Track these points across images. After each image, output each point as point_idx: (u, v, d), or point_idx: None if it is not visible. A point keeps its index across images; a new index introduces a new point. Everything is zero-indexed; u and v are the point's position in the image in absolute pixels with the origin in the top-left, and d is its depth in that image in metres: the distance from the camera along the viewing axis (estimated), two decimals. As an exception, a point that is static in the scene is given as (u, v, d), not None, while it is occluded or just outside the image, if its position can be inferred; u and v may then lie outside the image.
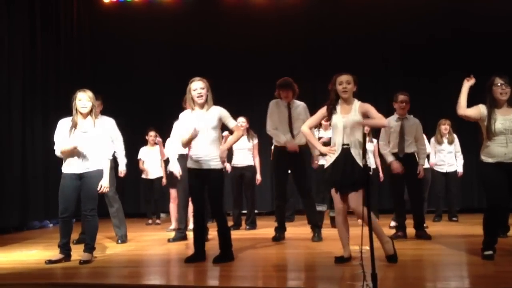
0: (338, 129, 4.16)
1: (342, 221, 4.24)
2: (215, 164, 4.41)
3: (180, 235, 5.81)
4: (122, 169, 5.85)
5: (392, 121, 5.62)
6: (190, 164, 4.49)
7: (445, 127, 7.44)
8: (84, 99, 4.52)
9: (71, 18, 9.10)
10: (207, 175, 4.41)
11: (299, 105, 5.66)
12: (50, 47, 8.33)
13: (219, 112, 4.45)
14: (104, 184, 4.59)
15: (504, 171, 4.16)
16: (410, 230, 5.60)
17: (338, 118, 4.17)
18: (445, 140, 7.50)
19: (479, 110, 4.28)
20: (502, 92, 4.20)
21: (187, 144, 4.46)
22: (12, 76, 7.37)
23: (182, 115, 4.60)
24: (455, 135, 7.51)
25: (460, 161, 7.57)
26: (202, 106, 4.44)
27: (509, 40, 8.59)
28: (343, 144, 4.12)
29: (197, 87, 4.41)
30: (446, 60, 9.00)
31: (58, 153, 4.58)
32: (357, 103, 4.23)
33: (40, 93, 7.96)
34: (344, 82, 4.18)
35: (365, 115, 4.17)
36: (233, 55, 9.39)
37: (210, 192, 4.46)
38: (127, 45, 9.53)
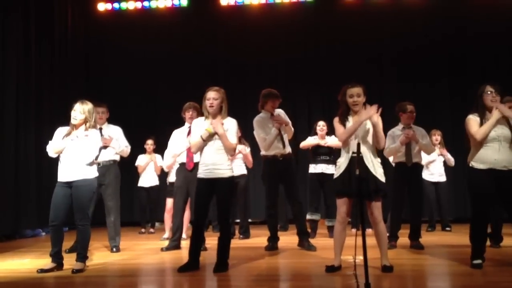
0: (351, 138, 4.14)
1: (341, 230, 4.25)
2: (224, 172, 4.43)
3: (174, 244, 5.79)
4: (112, 140, 5.59)
5: (397, 131, 5.63)
6: (199, 174, 4.49)
7: (435, 137, 7.49)
8: (77, 111, 4.53)
9: (66, 26, 9.10)
10: (216, 183, 4.42)
11: (280, 113, 5.69)
12: (44, 56, 8.31)
13: (229, 125, 4.47)
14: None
15: (493, 179, 4.20)
16: (404, 240, 5.61)
17: None
18: (435, 149, 7.54)
19: (476, 121, 4.29)
20: (492, 100, 4.25)
21: (199, 147, 4.45)
22: (6, 84, 7.34)
23: (195, 121, 4.64)
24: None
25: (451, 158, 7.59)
26: (214, 116, 4.46)
27: (505, 46, 8.68)
28: (353, 153, 4.09)
29: (211, 97, 4.43)
30: (440, 67, 9.07)
31: (51, 152, 4.58)
32: None
33: (33, 101, 7.93)
34: (355, 95, 4.18)
35: (373, 125, 4.18)
36: (227, 63, 9.42)
37: (219, 201, 4.46)
38: (122, 53, 9.54)
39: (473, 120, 4.31)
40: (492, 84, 4.28)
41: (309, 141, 6.85)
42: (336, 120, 4.29)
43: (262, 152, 5.75)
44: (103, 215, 5.74)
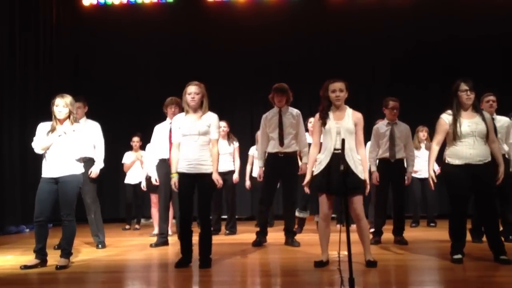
0: (331, 134, 4.15)
1: (325, 226, 4.28)
2: (206, 168, 4.43)
3: (163, 240, 5.78)
4: (94, 169, 5.59)
5: (382, 126, 5.67)
6: (180, 169, 4.47)
7: (423, 133, 7.59)
8: (60, 105, 4.49)
9: (51, 21, 8.98)
10: (198, 179, 4.42)
11: (292, 112, 5.68)
12: (29, 51, 8.20)
13: (211, 120, 4.48)
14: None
15: (470, 175, 4.25)
16: (388, 235, 5.67)
17: (332, 124, 4.19)
18: (422, 146, 7.63)
19: (444, 124, 4.36)
20: (467, 98, 4.32)
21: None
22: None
23: (176, 118, 4.62)
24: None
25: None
26: (195, 110, 4.45)
27: (495, 46, 8.77)
28: (335, 149, 4.11)
29: (192, 91, 4.43)
30: (432, 67, 9.11)
31: (38, 149, 4.53)
32: (349, 110, 4.27)
33: (18, 98, 7.83)
34: (337, 90, 4.20)
35: (355, 124, 4.20)
36: (216, 59, 9.38)
37: (200, 196, 4.46)
38: (108, 48, 9.45)
39: (441, 125, 4.39)
40: (466, 81, 4.33)
41: None
42: (316, 119, 4.32)
43: (267, 148, 5.76)
44: (83, 212, 5.68)
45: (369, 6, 9.30)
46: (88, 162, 5.52)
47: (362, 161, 4.20)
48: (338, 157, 4.03)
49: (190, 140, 4.42)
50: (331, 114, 4.24)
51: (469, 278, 3.91)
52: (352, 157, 4.14)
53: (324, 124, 4.22)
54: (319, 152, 4.28)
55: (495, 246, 4.34)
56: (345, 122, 4.20)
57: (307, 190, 4.37)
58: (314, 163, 4.27)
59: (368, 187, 4.22)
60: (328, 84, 4.26)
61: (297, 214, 6.79)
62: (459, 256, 4.31)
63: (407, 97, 8.83)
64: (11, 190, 7.54)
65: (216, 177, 4.44)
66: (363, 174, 4.18)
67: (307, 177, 4.30)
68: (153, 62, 9.52)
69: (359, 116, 4.27)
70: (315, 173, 4.25)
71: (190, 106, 4.45)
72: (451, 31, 8.99)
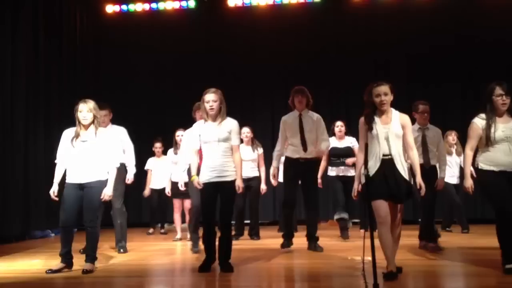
0: (379, 140, 3.94)
1: (386, 231, 3.89)
2: (229, 174, 4.44)
3: (195, 250, 5.61)
4: (130, 176, 5.78)
5: (413, 131, 5.42)
6: (203, 177, 4.46)
7: (452, 137, 7.31)
8: (84, 111, 4.53)
9: (74, 27, 9.17)
10: (221, 185, 4.42)
11: (312, 116, 5.63)
12: (53, 57, 8.36)
13: (231, 126, 4.48)
14: (107, 193, 4.59)
15: (506, 180, 4.07)
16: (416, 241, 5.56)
17: (379, 129, 3.99)
18: (453, 151, 7.40)
19: (477, 129, 4.18)
20: (503, 103, 4.13)
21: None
22: (15, 86, 7.39)
23: (195, 125, 4.63)
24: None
25: None
26: (214, 118, 4.46)
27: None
28: (384, 155, 3.94)
29: (210, 99, 4.42)
30: (450, 68, 8.99)
31: (58, 164, 4.62)
32: (396, 113, 4.08)
33: (43, 103, 7.99)
34: (382, 94, 3.99)
35: (403, 127, 4.04)
36: (235, 64, 9.42)
37: (222, 203, 4.45)
38: (130, 54, 9.58)
39: (474, 130, 4.19)
40: (500, 85, 4.15)
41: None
42: (361, 123, 4.09)
43: (286, 153, 5.71)
44: (110, 216, 5.75)
45: (390, 9, 9.22)
46: (119, 167, 5.56)
47: (413, 163, 4.02)
48: (388, 163, 3.90)
49: (212, 147, 4.43)
50: (377, 118, 4.03)
51: (501, 285, 3.77)
52: (401, 163, 3.95)
53: (370, 129, 4.01)
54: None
55: (509, 252, 4.02)
56: (393, 126, 4.00)
57: (355, 198, 4.17)
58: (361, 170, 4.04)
59: (423, 190, 4.01)
60: (371, 88, 4.03)
61: (336, 216, 6.53)
62: (511, 266, 3.98)
63: (426, 97, 8.70)
64: (36, 195, 7.65)
65: (238, 184, 4.44)
66: (411, 180, 3.99)
67: (355, 185, 4.09)
68: (175, 67, 9.60)
69: (406, 118, 4.08)
70: (364, 181, 3.99)
71: (209, 114, 4.45)
72: (470, 29, 8.87)
